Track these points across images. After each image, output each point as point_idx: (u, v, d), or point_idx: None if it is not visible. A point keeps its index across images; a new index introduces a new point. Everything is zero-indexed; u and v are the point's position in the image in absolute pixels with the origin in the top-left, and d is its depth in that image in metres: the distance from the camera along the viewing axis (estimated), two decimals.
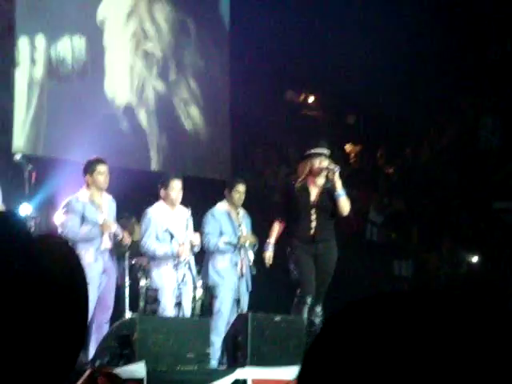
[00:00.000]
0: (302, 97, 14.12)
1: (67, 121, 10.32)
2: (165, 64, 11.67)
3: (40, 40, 10.32)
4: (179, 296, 7.97)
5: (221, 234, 8.34)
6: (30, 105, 10.21)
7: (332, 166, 7.91)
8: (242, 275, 8.28)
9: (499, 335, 0.96)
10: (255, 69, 12.41)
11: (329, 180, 7.96)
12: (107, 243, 7.87)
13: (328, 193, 7.96)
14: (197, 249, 8.19)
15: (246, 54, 12.42)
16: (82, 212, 7.84)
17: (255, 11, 12.49)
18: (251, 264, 8.23)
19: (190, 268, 8.09)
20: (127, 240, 8.04)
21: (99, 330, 7.55)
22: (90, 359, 7.11)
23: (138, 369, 6.26)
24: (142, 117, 11.39)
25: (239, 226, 8.35)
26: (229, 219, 8.39)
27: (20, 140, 10.14)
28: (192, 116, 11.92)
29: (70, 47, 10.63)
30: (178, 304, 8.02)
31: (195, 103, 11.99)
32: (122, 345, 6.71)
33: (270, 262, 8.11)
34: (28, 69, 10.22)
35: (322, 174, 7.99)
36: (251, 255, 8.31)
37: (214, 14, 12.51)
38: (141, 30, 11.48)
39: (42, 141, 10.36)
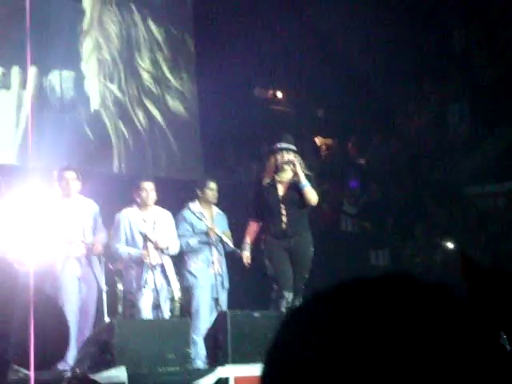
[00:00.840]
0: (271, 92, 14.13)
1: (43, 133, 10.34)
2: (116, 67, 11.58)
3: (31, 70, 10.43)
4: (157, 298, 7.95)
5: (194, 234, 8.33)
6: (18, 123, 10.24)
7: (292, 159, 7.96)
8: (218, 273, 8.29)
9: (463, 327, 0.96)
10: (223, 66, 12.38)
11: (293, 173, 8.00)
12: (76, 251, 7.83)
13: (295, 186, 7.99)
14: (168, 251, 8.16)
15: (214, 52, 12.38)
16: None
17: (221, 8, 12.47)
18: (229, 245, 8.27)
19: (163, 271, 8.06)
20: (98, 249, 7.99)
21: (80, 336, 7.51)
22: (70, 366, 7.08)
23: (119, 373, 6.24)
24: (107, 122, 11.32)
25: (211, 223, 8.35)
26: (201, 219, 8.37)
27: None
28: (155, 117, 11.82)
29: (59, 81, 10.67)
30: (157, 306, 8.00)
31: (158, 103, 11.88)
32: (101, 350, 6.68)
33: (249, 261, 8.12)
34: (17, 93, 10.32)
35: (287, 168, 8.02)
36: (229, 242, 8.34)
37: (178, 9, 12.44)
38: (95, 40, 11.43)
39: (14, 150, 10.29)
